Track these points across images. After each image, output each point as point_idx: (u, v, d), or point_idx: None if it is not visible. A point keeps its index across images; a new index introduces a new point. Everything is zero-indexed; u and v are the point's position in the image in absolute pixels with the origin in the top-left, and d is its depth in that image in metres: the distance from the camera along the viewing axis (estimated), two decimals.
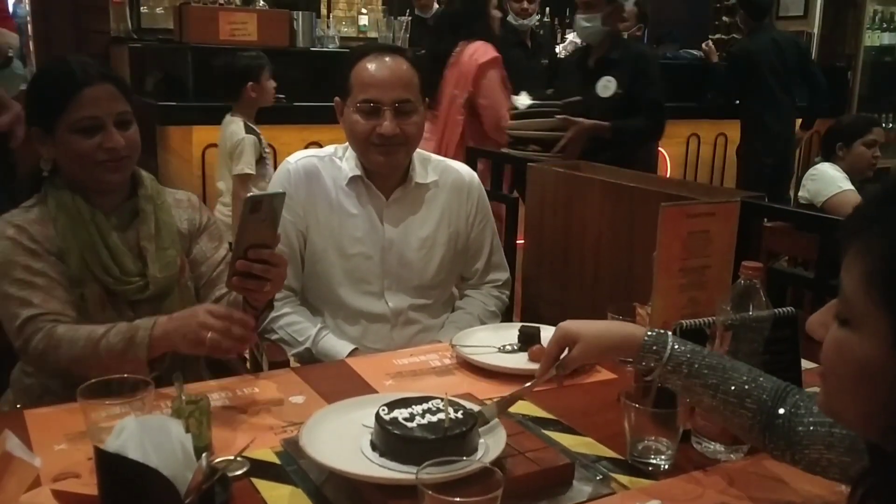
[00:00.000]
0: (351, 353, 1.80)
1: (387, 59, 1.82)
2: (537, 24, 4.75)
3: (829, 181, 3.26)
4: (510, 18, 4.26)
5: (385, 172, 1.88)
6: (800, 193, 3.38)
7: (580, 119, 3.21)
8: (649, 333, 1.18)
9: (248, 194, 1.37)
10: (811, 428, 1.05)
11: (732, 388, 1.12)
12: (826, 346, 0.79)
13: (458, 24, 3.46)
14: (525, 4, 4.22)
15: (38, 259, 1.51)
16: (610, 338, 1.22)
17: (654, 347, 1.16)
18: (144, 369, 1.40)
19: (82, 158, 1.52)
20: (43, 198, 1.58)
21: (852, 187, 3.24)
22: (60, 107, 1.51)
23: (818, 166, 3.37)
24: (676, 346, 1.16)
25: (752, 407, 1.10)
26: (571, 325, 1.24)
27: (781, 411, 1.08)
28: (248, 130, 3.54)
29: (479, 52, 3.36)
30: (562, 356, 1.24)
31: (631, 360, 1.23)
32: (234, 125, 3.55)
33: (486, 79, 3.36)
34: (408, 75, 1.83)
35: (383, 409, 1.16)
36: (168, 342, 1.42)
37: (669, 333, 1.18)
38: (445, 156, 3.53)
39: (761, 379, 1.13)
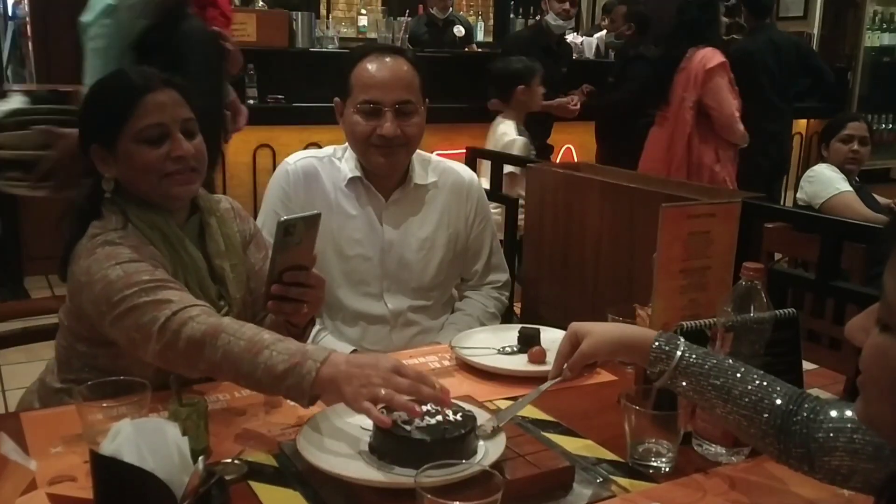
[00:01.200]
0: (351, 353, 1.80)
1: (387, 59, 1.81)
2: (572, 27, 4.70)
3: (826, 183, 3.25)
4: (549, 18, 4.23)
5: (385, 173, 1.87)
6: (798, 195, 3.37)
7: (69, 131, 1.96)
8: (659, 335, 1.16)
9: (282, 217, 1.32)
10: (831, 434, 1.00)
11: (745, 391, 1.09)
12: (866, 352, 0.76)
13: (693, 30, 3.75)
14: (567, 6, 4.18)
15: (158, 269, 1.37)
16: (620, 336, 1.21)
17: (665, 349, 1.14)
18: (304, 402, 1.20)
19: (149, 171, 1.40)
20: (123, 221, 1.42)
21: (850, 188, 3.23)
22: (123, 116, 1.40)
23: (815, 168, 3.38)
24: (687, 349, 1.14)
25: (766, 412, 1.07)
26: (582, 323, 1.24)
27: (797, 417, 1.04)
28: (520, 132, 3.71)
29: (706, 57, 3.65)
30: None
31: (637, 363, 1.21)
32: (504, 126, 3.75)
33: (713, 83, 3.65)
34: (408, 76, 1.82)
35: (382, 412, 1.16)
36: (335, 386, 1.17)
37: (681, 337, 1.16)
38: (675, 153, 3.68)
39: (775, 383, 1.09)
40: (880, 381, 0.75)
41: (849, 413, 0.99)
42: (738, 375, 1.10)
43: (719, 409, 1.11)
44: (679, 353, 1.13)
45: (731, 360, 1.14)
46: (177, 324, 1.27)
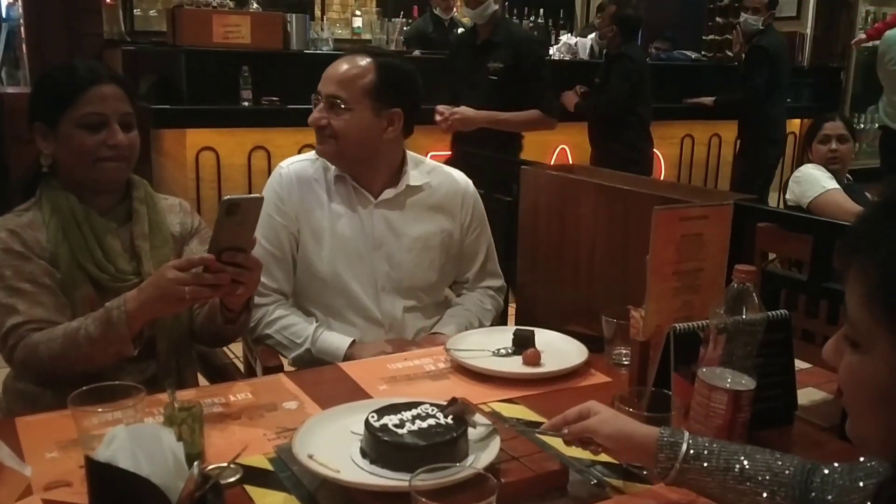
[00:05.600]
0: (350, 346, 1.80)
1: (346, 56, 1.85)
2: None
3: (813, 182, 3.27)
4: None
5: (327, 158, 1.89)
6: (786, 196, 3.39)
7: None
8: (664, 429, 1.12)
9: (225, 197, 1.35)
10: (843, 488, 0.98)
11: (760, 468, 1.05)
12: (841, 373, 0.76)
13: None
14: None
15: (28, 263, 1.51)
16: (624, 426, 1.15)
17: (670, 439, 1.10)
18: (129, 346, 1.44)
19: (84, 154, 1.54)
20: (37, 201, 1.58)
21: (837, 186, 3.25)
22: (68, 102, 1.53)
23: (802, 168, 3.41)
24: (691, 438, 1.10)
25: (784, 485, 1.03)
26: (600, 404, 1.20)
27: (813, 483, 1.02)
28: None
29: None
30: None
31: (642, 462, 1.17)
32: None
33: None
34: (351, 73, 1.81)
35: (372, 416, 1.16)
36: (148, 311, 1.42)
37: (685, 431, 1.13)
38: None
39: (785, 457, 1.06)
40: (858, 400, 0.75)
41: (858, 465, 0.98)
42: (750, 455, 1.07)
43: (736, 493, 1.06)
44: (685, 443, 1.09)
45: (736, 444, 1.11)
46: (10, 343, 1.47)
